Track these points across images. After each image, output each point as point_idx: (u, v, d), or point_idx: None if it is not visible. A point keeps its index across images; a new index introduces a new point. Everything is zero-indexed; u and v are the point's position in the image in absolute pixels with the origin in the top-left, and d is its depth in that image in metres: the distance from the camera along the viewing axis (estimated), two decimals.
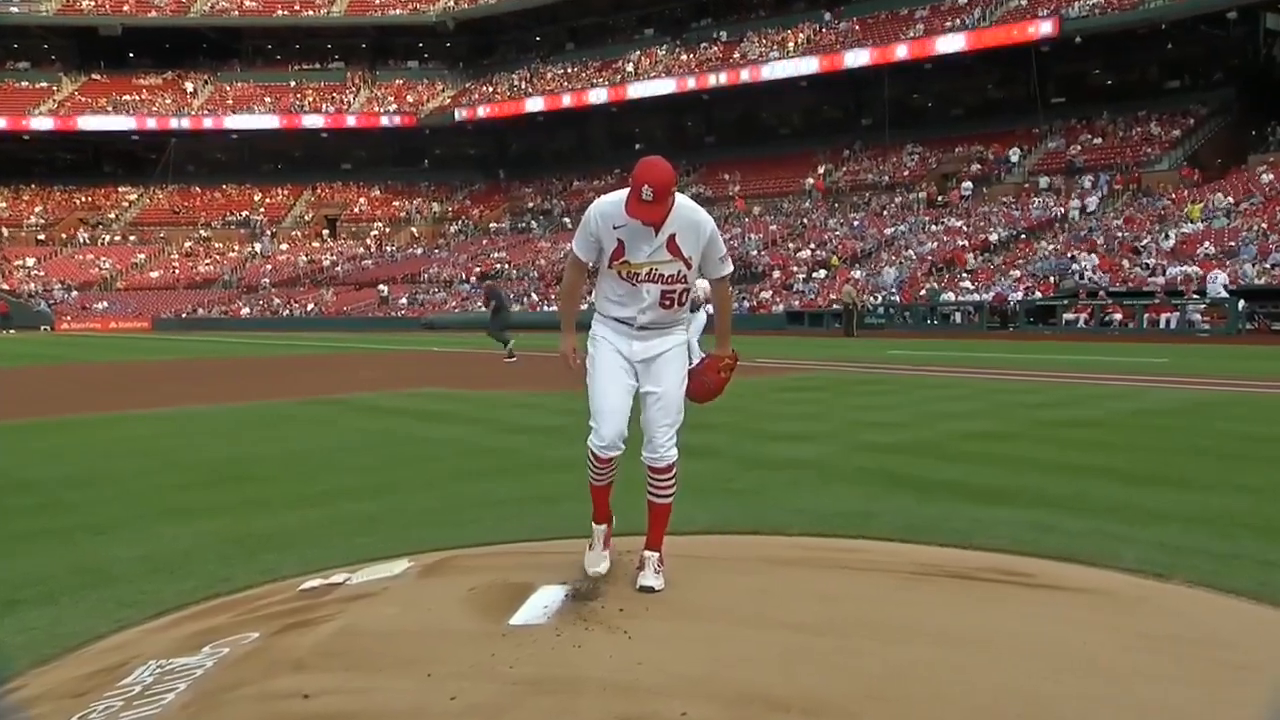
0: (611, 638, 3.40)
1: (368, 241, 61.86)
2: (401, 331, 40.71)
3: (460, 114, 61.40)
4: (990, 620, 3.56)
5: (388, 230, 62.94)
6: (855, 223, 43.19)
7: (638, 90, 54.29)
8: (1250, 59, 40.82)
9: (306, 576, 4.26)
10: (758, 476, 6.66)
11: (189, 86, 65.32)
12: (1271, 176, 33.14)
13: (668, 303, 3.86)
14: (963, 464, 6.98)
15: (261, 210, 64.95)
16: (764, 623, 3.52)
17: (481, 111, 60.69)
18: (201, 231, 63.08)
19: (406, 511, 5.70)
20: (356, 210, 65.26)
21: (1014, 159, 43.15)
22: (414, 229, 62.71)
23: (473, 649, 3.32)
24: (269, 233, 62.74)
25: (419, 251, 59.46)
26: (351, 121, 63.63)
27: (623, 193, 3.74)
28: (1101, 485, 6.10)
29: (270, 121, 63.07)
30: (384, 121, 63.46)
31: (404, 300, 49.98)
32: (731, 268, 4.06)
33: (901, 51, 45.36)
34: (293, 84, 65.56)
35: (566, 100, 57.20)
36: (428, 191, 66.00)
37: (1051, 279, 30.86)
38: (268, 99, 64.30)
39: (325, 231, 63.73)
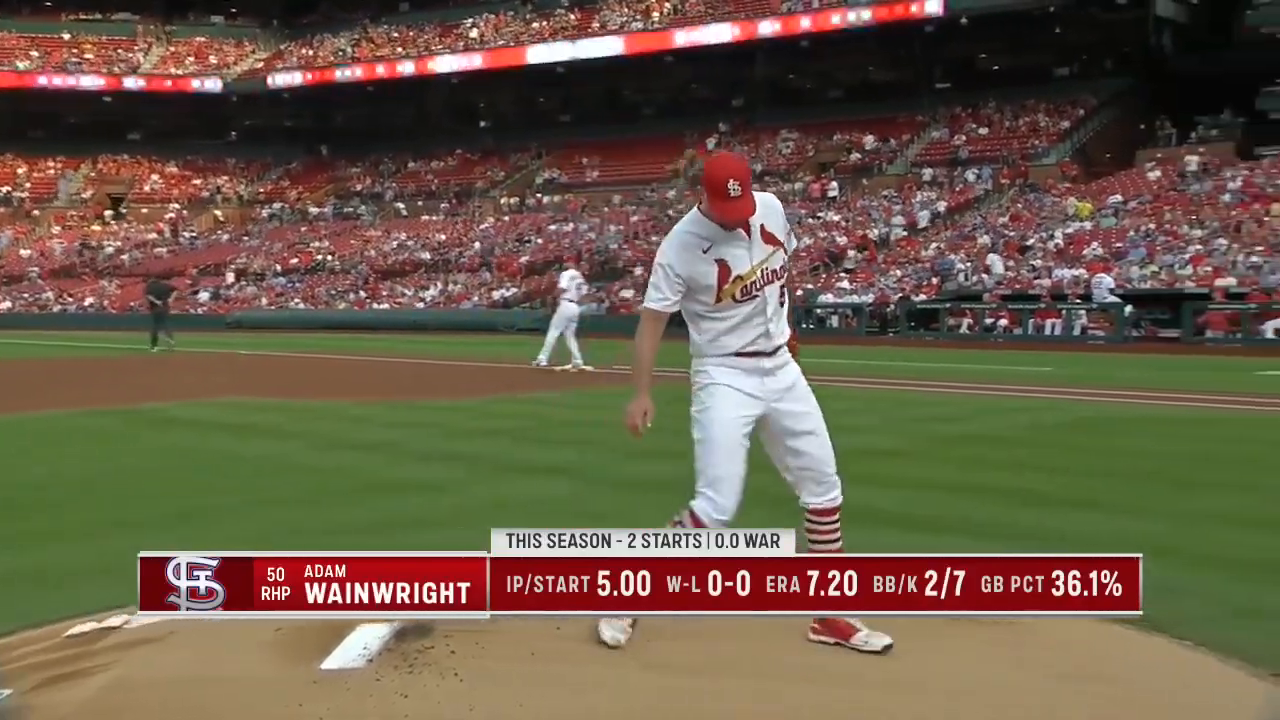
0: (441, 682, 3.35)
1: (161, 225, 59.43)
2: (204, 331, 39.20)
3: (275, 80, 59.66)
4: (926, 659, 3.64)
5: (186, 212, 60.60)
6: None
7: (482, 60, 53.91)
8: (1148, 47, 43.18)
9: (75, 620, 4.09)
10: (615, 497, 6.70)
11: None
12: (1159, 174, 35.34)
13: (782, 298, 3.87)
14: (859, 486, 7.14)
15: (27, 185, 61.59)
16: (627, 662, 3.53)
17: (300, 78, 59.12)
18: None
19: (205, 542, 5.44)
20: (147, 188, 62.61)
21: (894, 147, 44.79)
22: (218, 212, 60.59)
23: (275, 700, 3.23)
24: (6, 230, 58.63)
25: (224, 238, 57.49)
26: (141, 84, 60.89)
27: (691, 219, 3.72)
28: (1020, 509, 6.35)
29: (38, 79, 59.72)
30: (181, 85, 61.03)
31: (205, 295, 48.21)
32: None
33: (775, 26, 46.54)
34: (66, 36, 62.28)
35: (401, 68, 56.28)
36: (235, 169, 63.87)
37: (933, 280, 32.13)
38: (34, 53, 60.92)
39: (108, 212, 60.91)
